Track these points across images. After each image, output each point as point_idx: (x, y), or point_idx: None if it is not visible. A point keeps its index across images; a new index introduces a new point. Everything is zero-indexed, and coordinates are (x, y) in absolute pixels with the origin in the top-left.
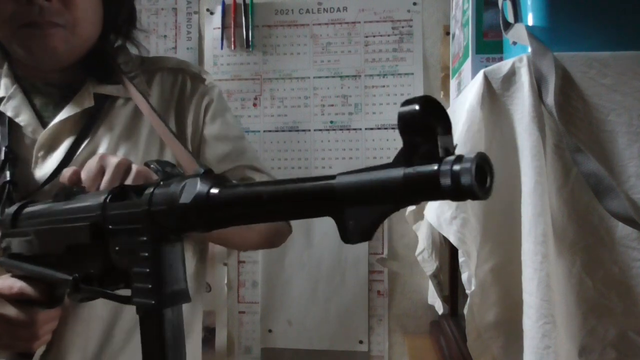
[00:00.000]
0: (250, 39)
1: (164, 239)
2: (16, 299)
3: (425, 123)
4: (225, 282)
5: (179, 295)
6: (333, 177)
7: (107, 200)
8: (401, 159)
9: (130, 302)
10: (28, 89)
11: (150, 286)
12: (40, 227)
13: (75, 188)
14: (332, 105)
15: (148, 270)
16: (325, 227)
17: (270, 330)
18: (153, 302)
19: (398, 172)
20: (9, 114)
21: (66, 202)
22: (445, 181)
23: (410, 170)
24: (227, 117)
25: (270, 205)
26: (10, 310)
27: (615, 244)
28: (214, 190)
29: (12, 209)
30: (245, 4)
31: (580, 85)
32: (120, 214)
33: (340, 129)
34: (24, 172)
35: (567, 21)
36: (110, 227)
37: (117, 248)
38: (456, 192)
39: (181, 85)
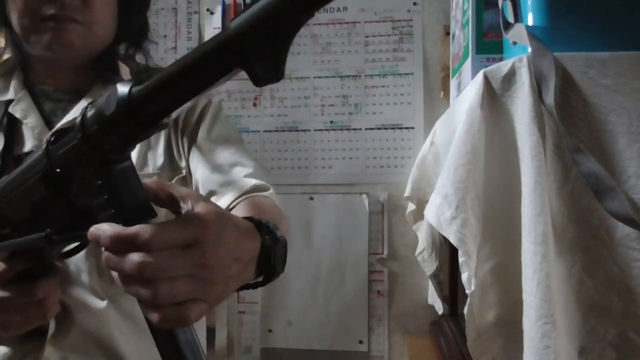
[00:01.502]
0: None
1: (109, 162)
2: (7, 278)
3: None
4: None
5: (142, 210)
6: (226, 29)
7: (49, 146)
8: None
9: None
10: (37, 94)
11: (113, 210)
12: (6, 197)
13: (26, 152)
14: (332, 105)
15: (106, 196)
16: (325, 227)
17: (270, 330)
18: (122, 223)
19: None
20: (18, 115)
21: (17, 167)
22: None
23: None
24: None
25: (185, 78)
26: (7, 291)
27: (615, 244)
28: (133, 89)
29: None
30: (245, 4)
31: (580, 85)
32: (63, 153)
33: (340, 129)
34: None
35: (567, 21)
36: (58, 170)
37: (74, 190)
38: None
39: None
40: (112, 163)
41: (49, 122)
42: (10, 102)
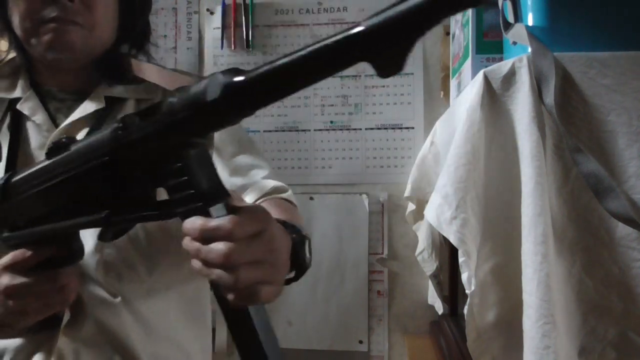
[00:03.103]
0: (250, 39)
1: (192, 145)
2: (33, 264)
3: None
4: None
5: (219, 191)
6: (358, 25)
7: (120, 129)
8: None
9: (173, 214)
10: (43, 95)
11: (192, 191)
12: (46, 185)
13: (64, 139)
14: (332, 105)
15: (186, 177)
16: (325, 227)
17: None
18: (200, 203)
19: None
20: (26, 112)
21: (67, 152)
22: None
23: None
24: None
25: (305, 67)
26: (31, 277)
27: (615, 244)
28: (239, 78)
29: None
30: (245, 4)
31: (580, 85)
32: (139, 138)
33: (340, 129)
34: None
35: (567, 21)
36: (128, 154)
37: (141, 172)
38: None
39: None
40: (194, 146)
41: (54, 121)
42: (15, 100)
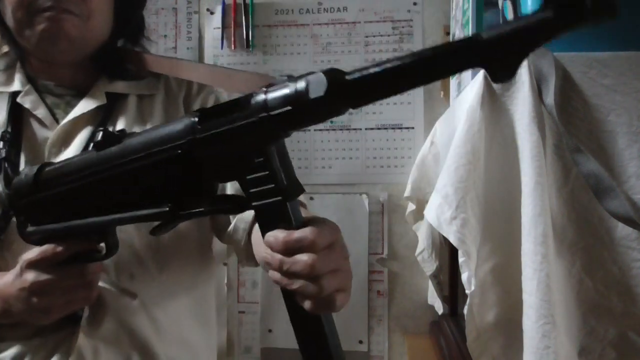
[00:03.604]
0: (250, 38)
1: (277, 140)
2: (61, 260)
3: None
4: (225, 282)
5: (296, 185)
6: (475, 35)
7: (196, 122)
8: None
9: (249, 207)
10: (40, 89)
11: (273, 185)
12: (97, 177)
13: (117, 132)
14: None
15: (268, 172)
16: None
17: (270, 330)
18: (280, 197)
19: (539, 15)
20: (27, 105)
21: (124, 144)
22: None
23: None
24: None
25: (420, 69)
26: (56, 274)
27: (615, 244)
28: (347, 77)
29: (30, 172)
30: (245, 4)
31: (580, 85)
32: (224, 131)
33: (340, 129)
34: None
35: None
36: (208, 148)
37: (214, 167)
38: (598, 11)
39: (187, 86)
40: (277, 140)
41: (53, 116)
42: (13, 94)
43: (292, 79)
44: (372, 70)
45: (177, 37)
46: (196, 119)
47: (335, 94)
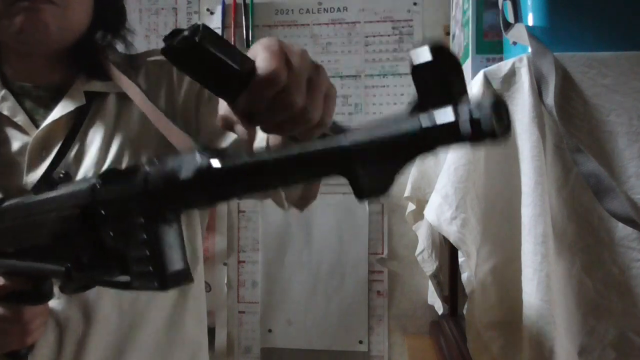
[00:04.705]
0: (250, 39)
1: (161, 220)
2: (1, 296)
3: (439, 71)
4: (225, 281)
5: (181, 276)
6: (342, 131)
7: (98, 184)
8: (415, 107)
9: (130, 287)
10: (17, 92)
11: (151, 269)
12: (24, 220)
13: (59, 176)
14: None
15: (148, 253)
16: (325, 227)
17: (270, 330)
18: (156, 284)
19: (414, 123)
20: (6, 112)
21: (49, 192)
22: (465, 129)
23: (426, 120)
24: None
25: (278, 172)
26: None
27: (615, 245)
28: (215, 162)
29: None
30: (245, 4)
31: (580, 85)
32: (114, 198)
33: None
34: (14, 177)
35: (567, 21)
36: (102, 212)
37: (111, 233)
38: (476, 138)
39: (168, 72)
40: (164, 221)
41: (33, 121)
42: None
43: (204, 151)
44: (242, 161)
45: None
46: (99, 181)
47: (204, 180)
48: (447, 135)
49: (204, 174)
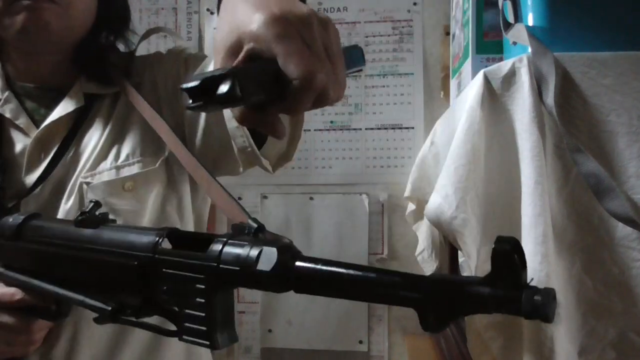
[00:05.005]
0: None
1: (221, 289)
2: (15, 307)
3: (513, 260)
4: None
5: (232, 338)
6: (422, 279)
7: (160, 242)
8: (488, 280)
9: (176, 336)
10: (19, 93)
11: (205, 329)
12: (66, 251)
13: (100, 214)
14: (332, 105)
15: (204, 315)
16: (325, 227)
17: (270, 330)
18: (208, 343)
19: (484, 290)
20: (8, 115)
21: (98, 230)
22: (527, 308)
23: (498, 291)
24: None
25: (353, 287)
26: (8, 318)
27: (615, 244)
28: (295, 263)
29: (16, 221)
30: None
31: (581, 85)
32: (180, 262)
33: (340, 129)
34: (14, 178)
35: (567, 21)
36: (163, 270)
37: (165, 288)
38: (532, 317)
39: (150, 64)
40: (223, 290)
41: (33, 121)
42: None
43: (256, 239)
44: (319, 267)
45: None
46: (161, 238)
47: (278, 275)
48: (508, 309)
49: (282, 272)
